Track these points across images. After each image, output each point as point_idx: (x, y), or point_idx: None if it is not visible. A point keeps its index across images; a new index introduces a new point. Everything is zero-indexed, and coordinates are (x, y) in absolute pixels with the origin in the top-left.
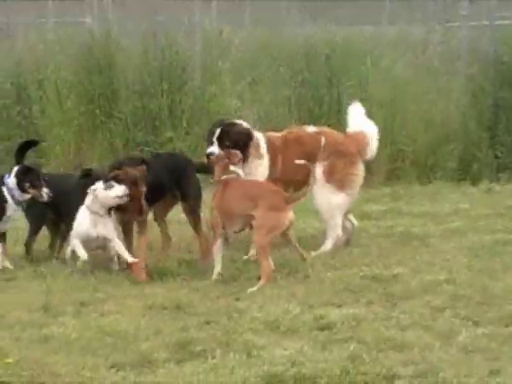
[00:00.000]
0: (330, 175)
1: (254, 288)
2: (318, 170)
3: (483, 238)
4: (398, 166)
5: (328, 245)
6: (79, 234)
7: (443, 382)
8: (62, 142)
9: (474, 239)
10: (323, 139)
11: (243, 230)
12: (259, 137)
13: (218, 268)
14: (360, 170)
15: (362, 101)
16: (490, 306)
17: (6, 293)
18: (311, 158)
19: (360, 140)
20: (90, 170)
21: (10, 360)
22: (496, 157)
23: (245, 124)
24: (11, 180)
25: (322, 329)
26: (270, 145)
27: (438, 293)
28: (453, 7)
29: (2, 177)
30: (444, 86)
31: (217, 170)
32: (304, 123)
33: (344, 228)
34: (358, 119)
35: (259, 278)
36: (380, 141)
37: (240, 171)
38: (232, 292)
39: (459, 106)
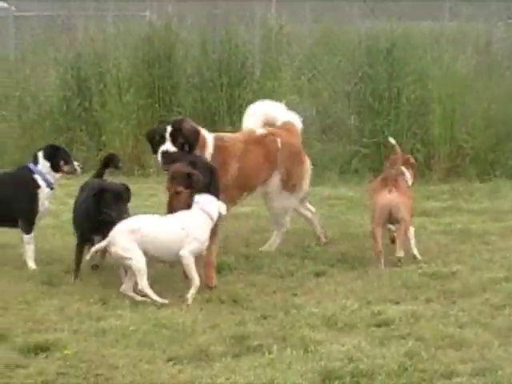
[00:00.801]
0: (286, 183)
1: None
2: (276, 177)
3: None
4: (458, 163)
5: (277, 240)
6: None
7: (502, 380)
8: (120, 135)
9: None
10: (279, 141)
11: None
12: (208, 137)
13: None
14: (309, 168)
15: (421, 96)
16: None
17: (66, 284)
18: (272, 162)
19: (296, 131)
20: None
21: (68, 352)
22: None
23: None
24: (42, 164)
25: (379, 325)
26: (220, 147)
27: (497, 290)
28: None
29: (27, 167)
30: (506, 83)
31: None
32: (363, 119)
33: (306, 218)
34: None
35: (316, 274)
36: (439, 137)
37: None
38: (289, 287)
39: None
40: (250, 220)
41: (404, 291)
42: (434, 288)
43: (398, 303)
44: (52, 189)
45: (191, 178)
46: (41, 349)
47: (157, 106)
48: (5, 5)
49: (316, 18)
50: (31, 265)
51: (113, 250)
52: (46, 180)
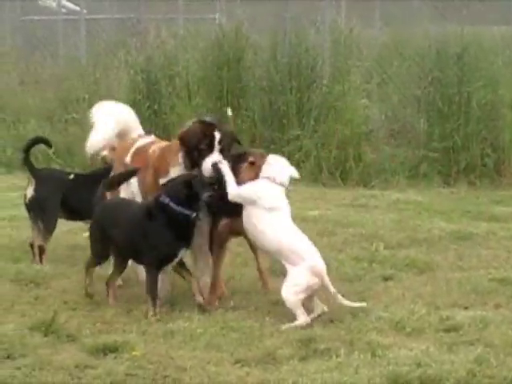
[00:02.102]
0: None
1: None
2: None
3: None
4: None
5: None
6: None
7: None
8: None
9: None
10: None
11: None
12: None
13: None
14: None
15: (492, 101)
16: None
17: (134, 286)
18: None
19: None
20: None
21: (136, 353)
22: None
23: None
24: None
25: (448, 330)
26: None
27: None
28: None
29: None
30: None
31: None
32: (432, 123)
33: None
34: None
35: (384, 278)
36: (510, 143)
37: None
38: (357, 291)
39: None
40: (317, 223)
41: (473, 296)
42: (504, 294)
43: (466, 308)
44: None
45: None
46: (110, 350)
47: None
48: (76, 8)
49: (386, 21)
50: None
51: None
52: None
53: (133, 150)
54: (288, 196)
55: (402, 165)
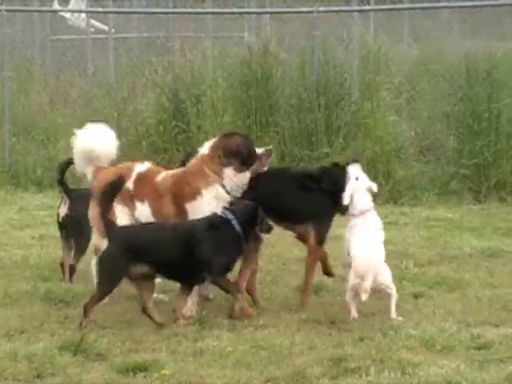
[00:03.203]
0: None
1: None
2: None
3: None
4: None
5: None
6: None
7: None
8: None
9: None
10: None
11: None
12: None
13: None
14: None
15: None
16: None
17: (163, 304)
18: None
19: None
20: None
21: (166, 372)
22: None
23: None
24: None
25: (479, 348)
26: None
27: None
28: None
29: None
30: None
31: None
32: (462, 140)
33: None
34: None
35: (415, 296)
36: None
37: None
38: (387, 309)
39: None
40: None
41: (504, 314)
42: None
43: (497, 326)
44: None
45: None
46: (139, 369)
47: (254, 127)
48: (105, 27)
49: (415, 37)
50: None
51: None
52: None
53: (134, 177)
54: None
55: (431, 181)
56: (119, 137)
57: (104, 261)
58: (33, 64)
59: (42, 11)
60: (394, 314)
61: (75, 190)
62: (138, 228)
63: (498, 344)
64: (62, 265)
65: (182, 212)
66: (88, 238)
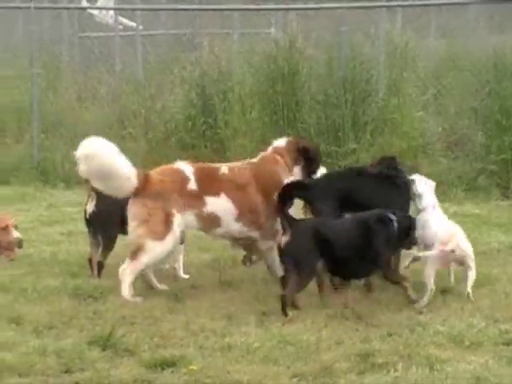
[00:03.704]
0: None
1: None
2: None
3: None
4: None
5: None
6: None
7: None
8: (244, 152)
9: None
10: None
11: None
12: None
13: None
14: None
15: None
16: None
17: (191, 300)
18: None
19: None
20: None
21: (194, 367)
22: None
23: None
24: None
25: (507, 344)
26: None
27: None
28: None
29: None
30: None
31: None
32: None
33: None
34: None
35: (442, 291)
36: None
37: None
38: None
39: None
40: None
41: None
42: None
43: None
44: None
45: None
46: (167, 364)
47: (281, 122)
48: (133, 24)
49: (441, 32)
50: None
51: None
52: None
53: (192, 176)
54: None
55: (459, 177)
56: (148, 133)
57: (295, 253)
58: (61, 61)
59: (70, 8)
60: (469, 288)
61: None
62: (319, 221)
63: None
64: (89, 261)
65: (269, 201)
66: (115, 235)
